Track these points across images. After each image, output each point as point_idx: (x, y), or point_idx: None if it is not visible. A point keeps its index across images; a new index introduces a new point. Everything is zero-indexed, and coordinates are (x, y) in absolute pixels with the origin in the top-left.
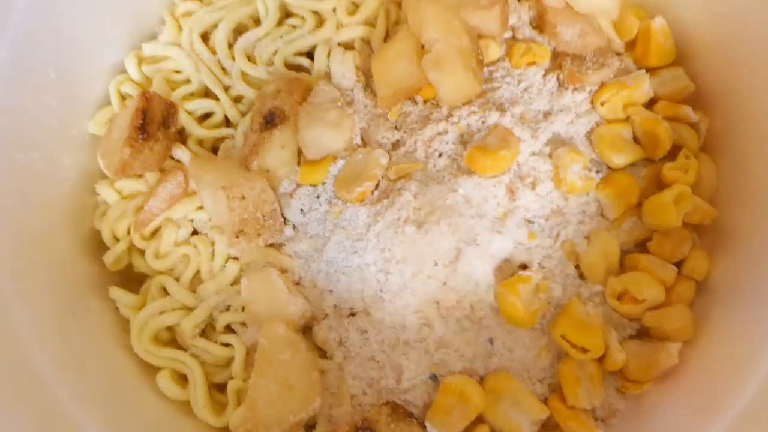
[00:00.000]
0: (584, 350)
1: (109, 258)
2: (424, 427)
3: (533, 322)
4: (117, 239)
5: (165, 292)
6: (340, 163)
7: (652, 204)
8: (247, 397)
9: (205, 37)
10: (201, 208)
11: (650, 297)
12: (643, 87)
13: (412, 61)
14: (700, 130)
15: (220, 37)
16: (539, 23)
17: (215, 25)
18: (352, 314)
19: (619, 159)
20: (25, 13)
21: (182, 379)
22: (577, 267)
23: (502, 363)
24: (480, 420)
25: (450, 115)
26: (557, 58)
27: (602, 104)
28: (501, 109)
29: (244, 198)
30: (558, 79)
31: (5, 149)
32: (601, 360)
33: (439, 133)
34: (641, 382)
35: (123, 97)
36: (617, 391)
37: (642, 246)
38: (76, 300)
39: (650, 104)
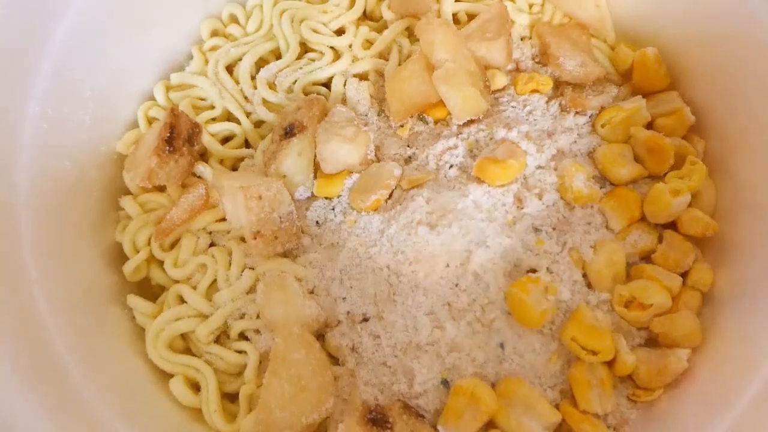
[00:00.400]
0: (594, 353)
1: (128, 267)
2: (435, 428)
3: (542, 322)
4: (137, 250)
5: (181, 301)
6: (355, 177)
7: (651, 196)
8: (260, 400)
9: (228, 70)
10: (221, 220)
11: (657, 302)
12: (641, 110)
13: (424, 80)
14: (698, 151)
15: (243, 69)
16: (543, 57)
17: (239, 59)
18: (365, 320)
19: (623, 173)
20: (69, 32)
21: (195, 387)
22: (584, 276)
23: (513, 368)
24: (492, 425)
25: (459, 132)
26: (559, 88)
27: (603, 126)
28: (507, 127)
29: (260, 198)
30: (560, 105)
31: (42, 154)
32: (611, 365)
33: (450, 148)
34: (652, 389)
35: (150, 121)
36: (628, 400)
37: (647, 260)
38: (97, 305)
39: (647, 128)
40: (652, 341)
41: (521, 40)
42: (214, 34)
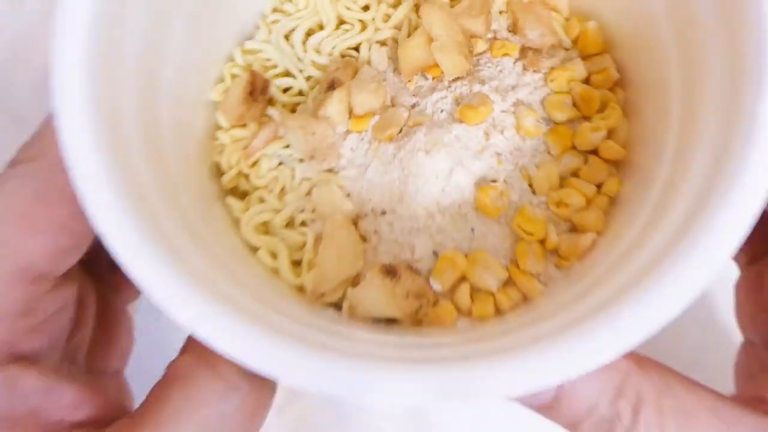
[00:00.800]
0: (532, 235)
1: (225, 179)
2: (427, 280)
3: (498, 214)
4: (230, 167)
5: (261, 201)
6: (377, 117)
7: (579, 131)
8: (316, 264)
9: (285, 38)
10: (286, 147)
11: (576, 203)
12: (579, 69)
13: (425, 49)
14: (619, 99)
15: (296, 37)
16: (514, 28)
17: (293, 30)
18: (383, 213)
19: (560, 115)
20: (185, 18)
21: (274, 256)
22: (530, 185)
23: (480, 244)
24: (464, 279)
25: (449, 86)
26: (524, 52)
27: (551, 81)
28: (482, 82)
29: (314, 134)
30: (523, 65)
31: (174, 104)
32: (543, 243)
33: (442, 98)
34: (569, 259)
35: (232, 77)
36: (554, 267)
37: (575, 176)
38: (207, 204)
39: (585, 82)
40: (572, 228)
41: (499, 13)
42: (275, 10)
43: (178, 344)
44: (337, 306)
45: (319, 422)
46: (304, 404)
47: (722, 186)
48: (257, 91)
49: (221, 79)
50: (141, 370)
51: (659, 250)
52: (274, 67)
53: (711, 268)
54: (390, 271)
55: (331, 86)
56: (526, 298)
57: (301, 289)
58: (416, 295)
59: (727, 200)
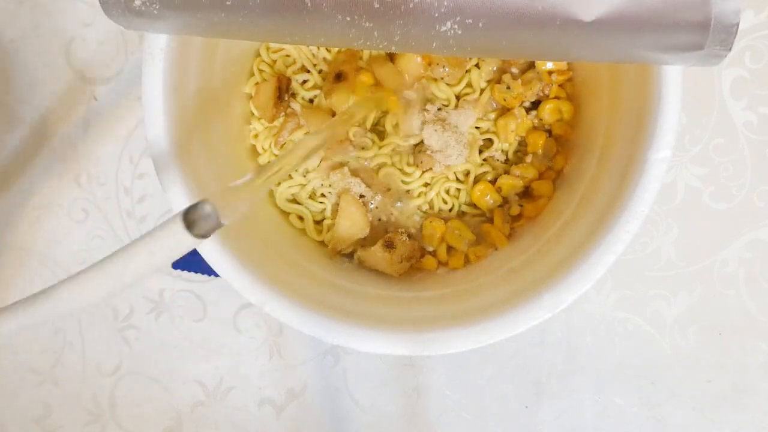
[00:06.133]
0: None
1: (260, 159)
2: (416, 240)
3: (487, 208)
4: (264, 150)
5: (290, 177)
6: None
7: (540, 108)
8: (333, 228)
9: None
10: (307, 133)
11: (530, 176)
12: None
13: (418, 62)
14: (568, 92)
15: None
16: None
17: None
18: (388, 189)
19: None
20: None
21: (301, 219)
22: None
23: (459, 214)
24: (443, 240)
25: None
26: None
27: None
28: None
29: (333, 134)
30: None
31: (224, 95)
32: (510, 209)
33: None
34: (529, 216)
35: (261, 71)
36: (519, 222)
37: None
38: None
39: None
40: (531, 195)
41: None
42: None
43: (176, 344)
44: (349, 255)
45: (319, 422)
46: (303, 404)
47: (633, 177)
48: (283, 90)
49: (251, 73)
50: (140, 370)
51: (591, 223)
52: (294, 63)
53: (620, 245)
54: (389, 245)
55: (338, 78)
56: (496, 248)
57: (321, 243)
58: (407, 257)
59: (635, 186)
